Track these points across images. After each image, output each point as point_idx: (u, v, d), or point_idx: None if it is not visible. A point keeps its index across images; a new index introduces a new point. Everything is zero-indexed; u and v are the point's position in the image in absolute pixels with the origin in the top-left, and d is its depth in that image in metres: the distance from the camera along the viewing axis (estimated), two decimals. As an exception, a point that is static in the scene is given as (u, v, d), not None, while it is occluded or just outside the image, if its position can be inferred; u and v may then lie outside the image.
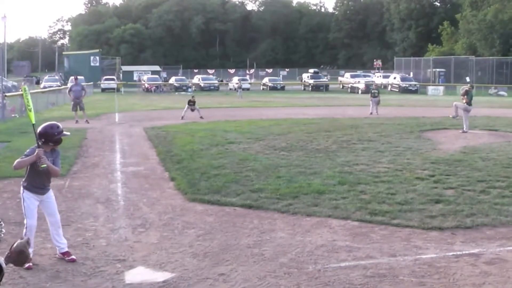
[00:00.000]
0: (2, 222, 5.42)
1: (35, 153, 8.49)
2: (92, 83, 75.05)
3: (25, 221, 8.80)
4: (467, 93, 26.64)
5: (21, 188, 8.92)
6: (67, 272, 8.42)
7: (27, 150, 8.78)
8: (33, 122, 8.78)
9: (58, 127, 8.90)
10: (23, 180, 8.90)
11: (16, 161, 8.74)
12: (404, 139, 23.94)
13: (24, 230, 8.69)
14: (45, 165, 8.53)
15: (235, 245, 9.74)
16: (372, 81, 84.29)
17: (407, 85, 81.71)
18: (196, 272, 8.44)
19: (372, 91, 40.61)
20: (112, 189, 14.43)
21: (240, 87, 67.41)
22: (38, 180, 8.80)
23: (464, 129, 24.73)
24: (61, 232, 9.17)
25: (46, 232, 9.39)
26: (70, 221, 11.13)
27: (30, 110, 8.84)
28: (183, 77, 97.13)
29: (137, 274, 8.45)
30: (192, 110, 34.71)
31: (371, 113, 37.48)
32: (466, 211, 11.70)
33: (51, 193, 9.10)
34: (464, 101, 26.31)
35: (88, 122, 31.41)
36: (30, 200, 8.80)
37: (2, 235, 5.48)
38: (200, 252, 9.38)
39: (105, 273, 8.45)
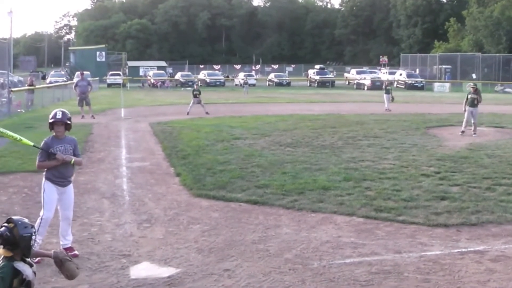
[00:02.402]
0: None
1: (56, 159, 8.70)
2: (98, 78, 75.02)
3: (41, 212, 8.80)
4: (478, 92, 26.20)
5: (43, 178, 8.94)
6: (73, 266, 8.43)
7: (42, 144, 8.87)
8: (32, 144, 8.81)
9: (56, 114, 8.91)
10: (46, 170, 8.95)
11: (39, 164, 8.94)
12: (410, 135, 23.93)
13: (39, 221, 8.67)
14: (72, 161, 8.79)
15: (240, 241, 9.75)
16: (379, 77, 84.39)
17: (413, 82, 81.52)
18: (201, 268, 8.45)
19: (386, 87, 40.80)
20: (117, 184, 14.46)
21: (246, 83, 67.34)
22: (60, 171, 8.85)
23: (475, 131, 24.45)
24: (70, 228, 9.22)
25: (52, 227, 9.41)
26: (76, 216, 11.12)
27: (21, 140, 8.69)
28: (189, 73, 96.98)
29: (142, 269, 8.47)
30: (199, 102, 34.70)
31: (386, 109, 37.60)
32: (472, 208, 11.70)
33: (71, 187, 9.15)
34: (480, 100, 25.43)
35: (94, 117, 31.43)
36: (50, 192, 8.82)
37: (36, 245, 6.01)
38: (205, 247, 9.40)
39: (110, 268, 8.47)
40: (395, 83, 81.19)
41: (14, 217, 6.36)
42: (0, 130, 8.28)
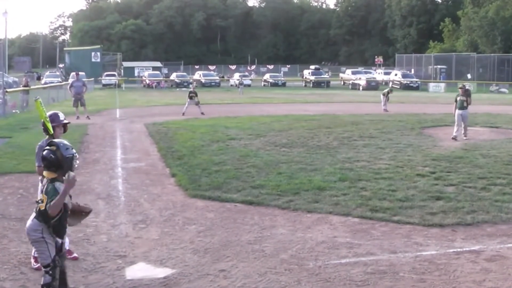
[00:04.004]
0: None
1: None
2: (93, 79, 74.97)
3: None
4: (469, 93, 25.50)
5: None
6: (68, 268, 8.37)
7: (37, 149, 8.42)
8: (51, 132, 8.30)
9: (59, 116, 8.45)
10: None
11: (39, 169, 7.89)
12: (405, 135, 23.94)
13: None
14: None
15: (235, 241, 9.75)
16: (374, 77, 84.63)
17: (408, 82, 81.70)
18: (196, 268, 8.45)
19: (388, 92, 40.23)
20: (113, 185, 14.44)
21: (241, 83, 67.37)
22: None
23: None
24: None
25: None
26: (71, 217, 11.12)
27: (46, 118, 7.95)
28: (184, 73, 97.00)
29: (138, 270, 8.46)
30: (197, 103, 34.72)
31: (384, 109, 37.61)
32: (467, 208, 11.71)
33: None
34: (469, 103, 24.11)
35: (89, 118, 31.41)
36: None
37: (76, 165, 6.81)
38: (201, 248, 9.39)
39: (106, 269, 8.46)
40: (390, 83, 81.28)
41: (55, 140, 7.00)
42: (40, 100, 8.13)
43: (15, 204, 12.19)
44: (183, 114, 33.46)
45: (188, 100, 35.10)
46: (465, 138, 23.33)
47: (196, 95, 35.41)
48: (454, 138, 23.05)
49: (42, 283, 6.94)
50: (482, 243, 9.70)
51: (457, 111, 23.93)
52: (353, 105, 44.82)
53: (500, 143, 21.95)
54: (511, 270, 8.44)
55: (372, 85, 78.96)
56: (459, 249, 9.34)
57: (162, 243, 9.65)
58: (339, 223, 10.83)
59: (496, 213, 11.36)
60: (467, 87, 25.72)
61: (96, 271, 8.31)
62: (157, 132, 24.94)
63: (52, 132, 7.95)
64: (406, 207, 11.76)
